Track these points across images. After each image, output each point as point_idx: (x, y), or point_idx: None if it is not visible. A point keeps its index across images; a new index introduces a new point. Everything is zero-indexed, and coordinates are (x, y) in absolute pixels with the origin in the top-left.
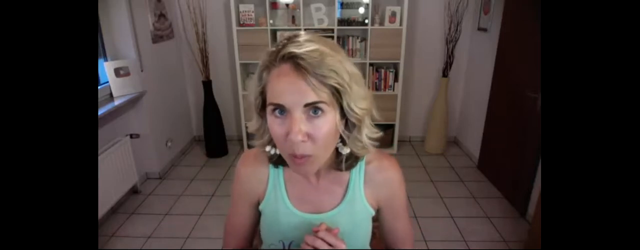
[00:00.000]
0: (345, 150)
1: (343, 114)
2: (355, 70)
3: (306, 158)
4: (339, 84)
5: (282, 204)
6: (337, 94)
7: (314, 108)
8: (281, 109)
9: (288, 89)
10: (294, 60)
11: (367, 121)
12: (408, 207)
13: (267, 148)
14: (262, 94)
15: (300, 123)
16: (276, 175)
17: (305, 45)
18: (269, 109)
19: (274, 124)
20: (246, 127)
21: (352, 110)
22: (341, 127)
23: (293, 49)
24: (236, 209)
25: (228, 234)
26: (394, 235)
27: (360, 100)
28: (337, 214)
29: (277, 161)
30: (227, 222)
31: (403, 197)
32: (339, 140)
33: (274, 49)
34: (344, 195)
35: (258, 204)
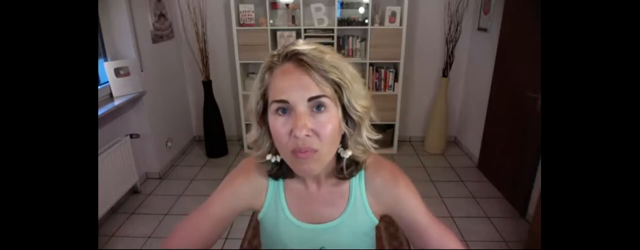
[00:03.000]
0: (347, 154)
1: (344, 114)
2: (354, 71)
3: (310, 152)
4: (340, 79)
5: (282, 215)
6: (339, 90)
7: (317, 104)
8: (285, 107)
9: (292, 84)
10: (297, 57)
11: (367, 123)
12: (428, 212)
13: (268, 156)
14: (264, 97)
15: (305, 118)
16: (276, 187)
17: (305, 46)
18: (271, 108)
19: (277, 122)
20: (247, 127)
21: (353, 107)
22: (344, 125)
23: (294, 47)
24: (210, 211)
25: (182, 229)
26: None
27: (360, 98)
28: (338, 224)
29: (277, 173)
30: (188, 221)
31: (412, 200)
32: (340, 145)
33: (275, 52)
34: (346, 206)
35: (235, 215)
